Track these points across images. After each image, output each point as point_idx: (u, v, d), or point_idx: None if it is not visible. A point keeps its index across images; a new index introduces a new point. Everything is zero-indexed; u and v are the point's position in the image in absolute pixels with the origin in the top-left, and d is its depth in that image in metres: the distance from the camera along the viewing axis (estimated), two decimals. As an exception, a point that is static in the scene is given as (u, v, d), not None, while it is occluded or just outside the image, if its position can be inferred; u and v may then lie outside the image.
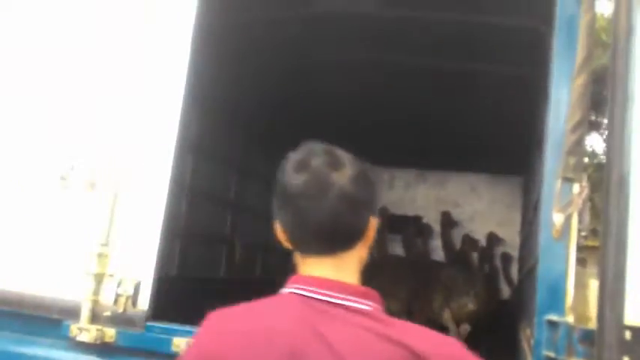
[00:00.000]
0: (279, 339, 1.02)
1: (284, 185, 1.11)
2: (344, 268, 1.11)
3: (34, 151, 2.00)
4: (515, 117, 3.21)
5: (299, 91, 3.56)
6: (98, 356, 1.81)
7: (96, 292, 1.84)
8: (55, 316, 1.84)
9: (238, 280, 4.14)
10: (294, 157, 1.13)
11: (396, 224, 5.51)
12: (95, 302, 1.83)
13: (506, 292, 5.34)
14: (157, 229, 1.89)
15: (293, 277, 1.13)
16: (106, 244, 1.88)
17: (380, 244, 5.23)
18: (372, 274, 1.41)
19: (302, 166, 1.10)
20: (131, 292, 1.82)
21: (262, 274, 4.71)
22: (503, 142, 2.91)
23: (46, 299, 1.87)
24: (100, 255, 1.86)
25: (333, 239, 1.10)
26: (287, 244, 1.15)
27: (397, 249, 5.54)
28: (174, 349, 1.75)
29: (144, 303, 1.83)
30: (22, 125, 2.04)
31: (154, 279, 1.86)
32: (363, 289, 1.09)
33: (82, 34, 2.06)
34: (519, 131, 3.28)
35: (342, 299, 1.07)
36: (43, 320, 1.85)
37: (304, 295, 1.08)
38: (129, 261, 1.87)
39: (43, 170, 1.97)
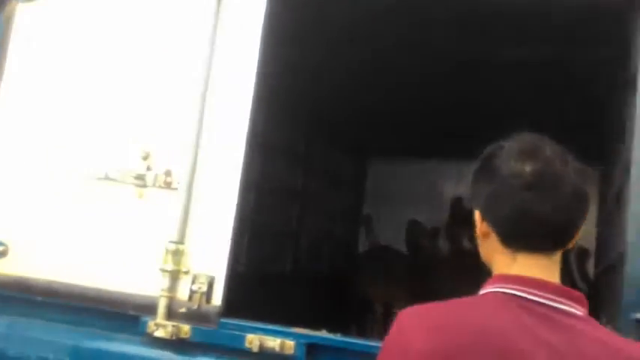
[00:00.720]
0: (495, 339, 0.95)
1: (502, 174, 1.03)
2: (554, 269, 1.04)
3: (111, 151, 2.05)
4: (592, 105, 3.06)
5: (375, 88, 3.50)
6: (174, 352, 1.85)
7: (171, 289, 1.87)
8: (132, 313, 1.89)
9: (304, 275, 4.15)
10: (513, 145, 1.06)
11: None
12: (171, 299, 1.86)
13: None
14: (229, 225, 1.90)
15: (499, 277, 1.05)
16: (180, 242, 1.90)
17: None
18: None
19: (529, 155, 1.03)
20: (205, 288, 1.84)
21: (328, 270, 4.70)
22: (579, 131, 2.77)
23: (123, 295, 1.91)
24: (175, 252, 1.89)
25: (559, 237, 1.03)
26: (485, 238, 1.08)
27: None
28: (247, 345, 1.76)
29: (217, 299, 1.85)
30: (98, 125, 2.09)
31: (227, 275, 1.87)
32: (577, 293, 1.02)
33: (153, 34, 2.09)
34: (596, 120, 3.13)
35: (564, 304, 1.00)
36: (121, 316, 1.90)
37: (517, 296, 1.00)
38: (203, 257, 1.89)
39: (120, 169, 2.01)
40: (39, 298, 2.00)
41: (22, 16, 2.24)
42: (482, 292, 1.05)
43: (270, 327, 1.78)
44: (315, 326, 1.81)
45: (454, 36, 2.68)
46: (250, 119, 1.95)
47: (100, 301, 1.93)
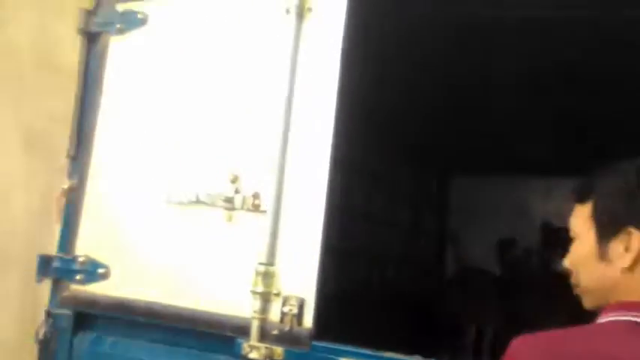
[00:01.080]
0: None
1: None
2: None
3: (201, 175, 2.12)
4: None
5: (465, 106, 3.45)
6: (268, 374, 1.86)
7: (263, 311, 1.90)
8: (228, 334, 1.92)
9: (389, 297, 4.10)
10: None
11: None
12: (263, 320, 1.89)
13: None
14: (317, 247, 1.91)
15: (622, 304, 1.00)
16: (270, 264, 1.93)
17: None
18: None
19: None
20: (296, 310, 1.86)
21: (414, 292, 4.63)
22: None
23: (218, 317, 1.96)
24: (265, 274, 1.92)
25: None
26: (631, 261, 1.01)
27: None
28: (339, 369, 1.75)
29: (308, 321, 1.86)
30: (188, 149, 2.17)
31: (317, 297, 1.88)
32: None
33: (237, 59, 2.15)
34: None
35: None
36: (217, 337, 1.94)
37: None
38: (293, 279, 1.91)
39: (210, 193, 2.07)
40: (140, 319, 2.08)
41: (113, 50, 2.36)
42: (601, 319, 0.99)
43: (363, 351, 1.77)
44: (402, 350, 1.78)
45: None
46: (333, 140, 1.96)
47: (196, 323, 1.99)
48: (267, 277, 1.92)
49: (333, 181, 1.96)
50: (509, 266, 4.80)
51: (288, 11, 2.06)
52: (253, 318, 1.89)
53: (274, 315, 1.90)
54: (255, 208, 2.00)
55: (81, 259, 2.25)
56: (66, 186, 2.38)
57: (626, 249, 1.01)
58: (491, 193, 4.99)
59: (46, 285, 2.35)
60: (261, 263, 1.93)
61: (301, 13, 2.04)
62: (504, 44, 2.56)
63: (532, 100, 3.26)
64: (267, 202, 1.98)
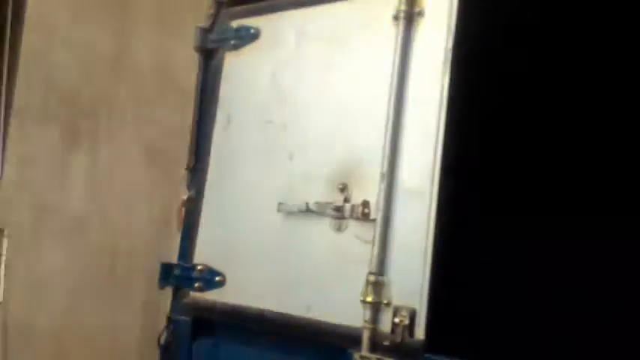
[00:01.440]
0: None
1: None
2: None
3: (311, 183, 2.14)
4: None
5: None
6: (380, 385, 1.84)
7: (373, 321, 1.87)
8: (338, 344, 1.92)
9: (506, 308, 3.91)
10: None
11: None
12: (373, 331, 1.86)
13: None
14: (429, 256, 1.86)
15: None
16: (380, 273, 1.91)
17: None
18: None
19: None
20: (407, 321, 1.82)
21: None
22: None
23: (329, 326, 1.95)
24: (376, 283, 1.90)
25: None
26: None
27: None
28: (455, 383, 1.69)
29: (420, 333, 1.81)
30: (299, 158, 2.20)
31: (429, 307, 1.83)
32: None
33: (344, 69, 2.15)
34: None
35: None
36: (328, 347, 1.94)
37: None
38: (404, 289, 1.87)
39: (320, 202, 2.08)
40: (253, 327, 2.12)
41: (228, 65, 2.45)
42: None
43: (477, 364, 1.70)
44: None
45: None
46: (444, 147, 1.91)
47: (307, 331, 2.00)
48: (378, 286, 1.89)
49: (443, 189, 1.90)
50: None
51: (396, 17, 2.04)
52: (364, 328, 1.87)
53: (385, 325, 1.87)
54: (365, 216, 1.98)
55: (199, 268, 2.34)
56: (185, 197, 2.48)
57: None
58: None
59: (168, 292, 2.46)
60: (371, 272, 1.91)
61: (410, 18, 2.01)
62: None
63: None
64: (376, 211, 1.96)
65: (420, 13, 2.02)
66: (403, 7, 2.02)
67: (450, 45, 1.94)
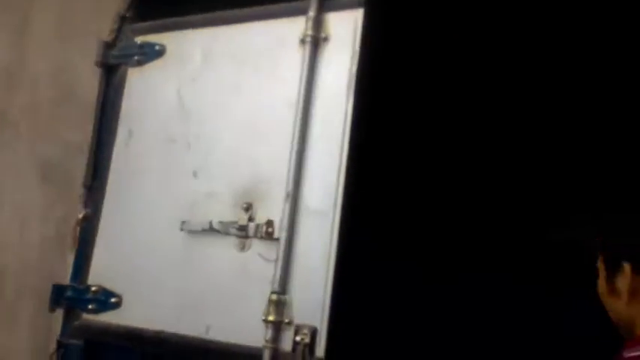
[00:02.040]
0: None
1: None
2: None
3: (215, 202, 2.12)
4: None
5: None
6: (279, 405, 1.83)
7: (275, 340, 1.87)
8: (239, 364, 1.90)
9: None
10: None
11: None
12: (274, 350, 1.86)
13: None
14: (330, 275, 1.89)
15: None
16: (282, 292, 1.91)
17: None
18: None
19: None
20: (308, 339, 1.83)
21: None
22: None
23: (229, 346, 1.93)
24: (278, 302, 1.90)
25: None
26: (629, 296, 1.00)
27: None
28: (352, 400, 1.72)
29: (320, 351, 1.83)
30: (202, 177, 2.17)
31: (329, 326, 1.85)
32: None
33: (252, 89, 2.17)
34: None
35: None
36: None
37: None
38: (305, 308, 1.88)
39: (223, 221, 2.06)
40: (150, 349, 2.06)
41: (131, 81, 2.40)
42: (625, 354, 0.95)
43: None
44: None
45: None
46: (347, 167, 1.95)
47: (207, 352, 1.96)
48: (280, 305, 1.89)
49: (345, 210, 1.94)
50: None
51: (302, 41, 2.08)
52: (265, 347, 1.86)
53: (286, 344, 1.86)
54: (269, 235, 1.98)
55: (94, 289, 2.25)
56: (81, 215, 2.39)
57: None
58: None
59: (60, 315, 2.34)
60: (273, 292, 1.91)
61: (316, 42, 2.06)
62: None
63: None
64: (280, 230, 1.97)
65: (326, 39, 2.07)
66: (309, 32, 2.07)
67: (354, 69, 2.00)
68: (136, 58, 2.40)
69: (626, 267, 0.99)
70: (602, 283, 1.01)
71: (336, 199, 1.94)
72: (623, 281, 1.01)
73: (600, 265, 1.06)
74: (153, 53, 2.38)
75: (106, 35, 2.51)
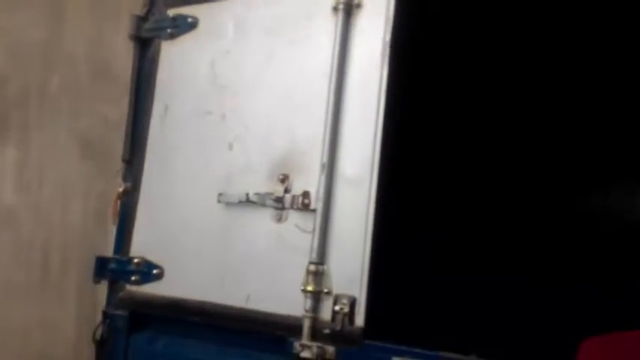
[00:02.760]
0: None
1: None
2: None
3: (251, 174, 2.13)
4: None
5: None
6: (321, 372, 1.85)
7: (314, 310, 1.89)
8: (279, 333, 1.92)
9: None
10: None
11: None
12: (314, 319, 1.88)
13: None
14: (368, 245, 1.89)
15: None
16: (320, 263, 1.92)
17: None
18: None
19: None
20: (347, 309, 1.84)
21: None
22: None
23: (270, 316, 1.96)
24: (316, 273, 1.91)
25: None
26: None
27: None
28: (392, 367, 1.73)
29: (360, 320, 1.84)
30: (238, 149, 2.18)
31: (368, 295, 1.85)
32: None
33: (286, 63, 2.15)
34: None
35: None
36: (268, 337, 1.94)
37: None
38: (344, 278, 1.89)
39: (260, 192, 2.07)
40: (193, 319, 2.10)
41: (165, 54, 2.41)
42: None
43: (416, 350, 1.74)
44: (460, 349, 1.74)
45: None
46: (383, 138, 1.94)
47: (247, 322, 1.99)
48: (318, 275, 1.91)
49: (382, 179, 1.93)
50: None
51: (335, 9, 2.05)
52: (305, 317, 1.88)
53: (325, 314, 1.88)
54: (305, 207, 1.99)
55: (136, 261, 2.29)
56: (121, 189, 2.43)
57: None
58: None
59: (104, 286, 2.40)
60: (311, 262, 1.93)
61: (348, 9, 2.03)
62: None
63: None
64: (316, 201, 1.97)
65: (359, 5, 2.04)
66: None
67: (388, 37, 1.97)
68: (169, 31, 2.40)
69: None
70: None
71: (372, 169, 1.93)
72: None
73: None
74: (185, 26, 2.37)
75: (139, 10, 2.51)
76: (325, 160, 1.98)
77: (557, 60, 3.14)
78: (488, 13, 2.74)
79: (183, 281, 2.18)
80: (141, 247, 2.31)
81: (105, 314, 2.32)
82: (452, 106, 3.39)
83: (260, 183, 2.10)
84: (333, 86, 2.02)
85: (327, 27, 2.06)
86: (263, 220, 2.07)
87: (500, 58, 3.13)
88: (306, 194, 2.00)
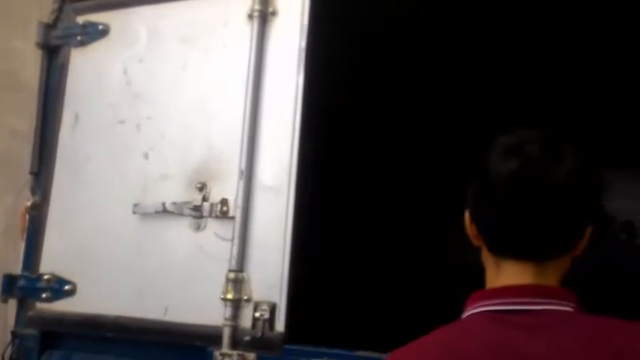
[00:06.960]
0: None
1: (487, 172, 0.95)
2: (545, 277, 0.95)
3: (168, 184, 2.08)
4: None
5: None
6: (242, 381, 1.83)
7: (234, 318, 1.86)
8: (198, 344, 1.88)
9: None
10: (504, 140, 0.97)
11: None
12: (234, 327, 1.85)
13: None
14: (287, 251, 1.89)
15: (479, 294, 0.98)
16: (239, 270, 1.90)
17: None
18: None
19: (513, 151, 0.94)
20: (267, 315, 1.83)
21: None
22: None
23: (188, 327, 1.91)
24: (236, 280, 1.89)
25: (542, 242, 0.94)
26: (477, 241, 1.01)
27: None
28: (313, 371, 1.73)
29: (280, 325, 1.83)
30: (153, 160, 2.13)
31: (288, 301, 1.85)
32: (561, 289, 0.94)
33: (200, 71, 2.13)
34: None
35: (540, 304, 0.92)
36: (188, 348, 1.90)
37: (496, 311, 0.93)
38: (263, 284, 1.88)
39: (177, 202, 2.03)
40: (108, 334, 2.02)
41: (74, 63, 2.33)
42: (465, 313, 0.97)
43: (336, 351, 1.75)
44: (379, 347, 1.77)
45: None
46: (300, 143, 1.95)
47: (166, 334, 1.94)
48: (238, 283, 1.89)
49: (300, 185, 1.94)
50: None
51: (250, 16, 2.05)
52: (225, 325, 1.86)
53: (246, 321, 1.86)
54: (224, 214, 1.97)
55: (46, 277, 2.19)
56: (29, 203, 2.32)
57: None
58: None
59: (13, 305, 2.28)
60: (231, 270, 1.90)
61: (264, 17, 2.04)
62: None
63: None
64: (235, 208, 1.96)
65: (274, 13, 2.05)
66: (257, 7, 2.04)
67: (304, 43, 1.99)
68: (78, 38, 2.33)
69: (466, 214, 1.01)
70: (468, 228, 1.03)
71: (290, 175, 1.94)
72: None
73: None
74: (96, 33, 2.31)
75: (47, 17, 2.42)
76: (243, 167, 1.97)
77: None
78: (405, 16, 2.81)
79: (97, 296, 2.10)
80: (51, 262, 2.21)
81: (14, 334, 2.21)
82: (369, 111, 3.46)
83: (177, 192, 2.06)
84: (249, 93, 2.01)
85: (243, 34, 2.06)
86: (181, 229, 2.03)
87: (419, 61, 3.22)
88: (224, 202, 1.98)
